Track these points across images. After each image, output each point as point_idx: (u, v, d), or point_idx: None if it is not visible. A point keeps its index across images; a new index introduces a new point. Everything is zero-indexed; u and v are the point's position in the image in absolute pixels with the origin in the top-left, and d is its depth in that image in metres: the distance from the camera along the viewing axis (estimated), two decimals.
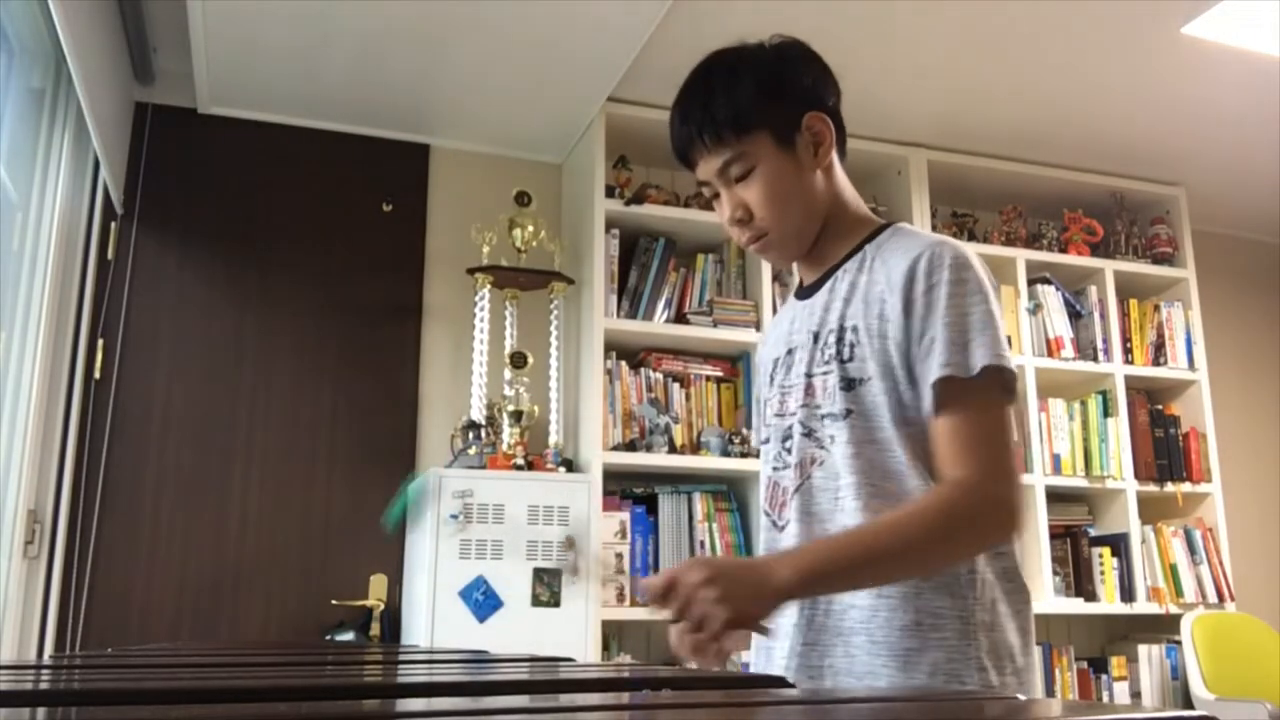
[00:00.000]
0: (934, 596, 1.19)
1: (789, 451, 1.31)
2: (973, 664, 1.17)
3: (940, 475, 1.19)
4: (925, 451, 1.22)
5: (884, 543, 1.15)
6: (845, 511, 1.24)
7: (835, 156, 1.33)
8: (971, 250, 1.27)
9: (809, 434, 1.28)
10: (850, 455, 1.23)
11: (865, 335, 1.24)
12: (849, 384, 1.24)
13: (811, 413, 1.28)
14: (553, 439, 3.20)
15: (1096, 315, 3.78)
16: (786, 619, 1.27)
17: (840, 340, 1.26)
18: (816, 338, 1.30)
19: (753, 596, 1.09)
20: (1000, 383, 1.19)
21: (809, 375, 1.29)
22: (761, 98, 1.28)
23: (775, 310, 3.40)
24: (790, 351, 1.34)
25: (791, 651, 1.26)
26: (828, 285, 1.32)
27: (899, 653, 1.18)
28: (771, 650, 1.29)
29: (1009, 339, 3.59)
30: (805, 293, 1.36)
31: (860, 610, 1.21)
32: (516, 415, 3.13)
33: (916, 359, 1.21)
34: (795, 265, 1.41)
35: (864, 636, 1.20)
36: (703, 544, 3.18)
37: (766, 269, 3.39)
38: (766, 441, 1.38)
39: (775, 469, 1.33)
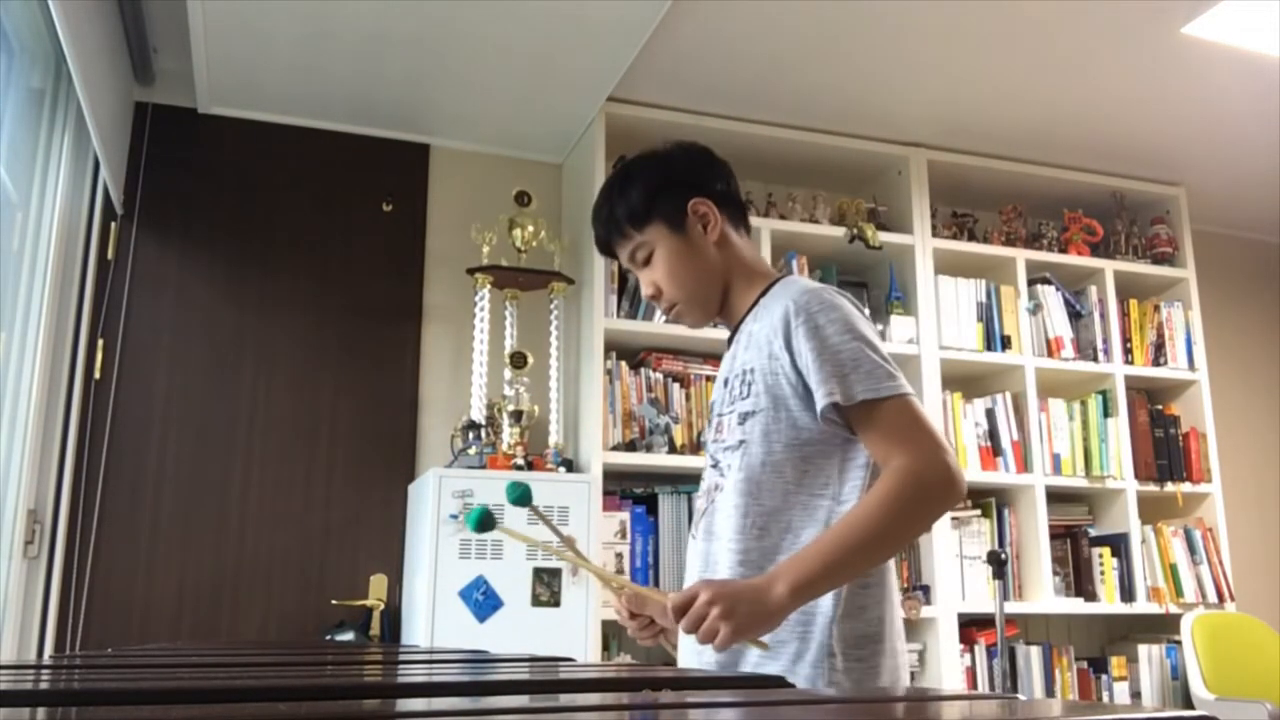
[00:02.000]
0: None
1: (704, 482, 1.53)
2: (824, 650, 1.35)
3: (883, 470, 1.37)
4: (819, 468, 1.42)
5: (854, 537, 1.30)
6: (730, 528, 1.43)
7: (729, 229, 1.56)
8: (833, 291, 1.46)
9: (715, 465, 1.51)
10: (741, 480, 1.43)
11: (759, 374, 1.45)
12: (744, 418, 1.46)
13: (718, 447, 1.50)
14: (553, 439, 3.20)
15: (1096, 315, 3.78)
16: None
17: (742, 381, 1.47)
18: (726, 383, 1.52)
19: (751, 614, 1.25)
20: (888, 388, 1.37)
21: (719, 415, 1.52)
22: (649, 197, 1.53)
23: None
24: (719, 399, 1.55)
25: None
26: (736, 338, 1.54)
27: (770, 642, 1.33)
28: (702, 651, 1.42)
29: (1008, 339, 3.62)
30: (728, 344, 1.58)
31: None
32: (516, 415, 3.13)
33: (810, 386, 1.39)
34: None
35: None
36: None
37: None
38: None
39: (699, 497, 1.56)
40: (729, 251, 1.56)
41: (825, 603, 1.36)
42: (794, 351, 1.40)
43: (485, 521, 1.42)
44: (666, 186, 1.54)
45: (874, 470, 1.41)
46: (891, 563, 1.44)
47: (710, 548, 1.48)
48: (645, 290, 1.56)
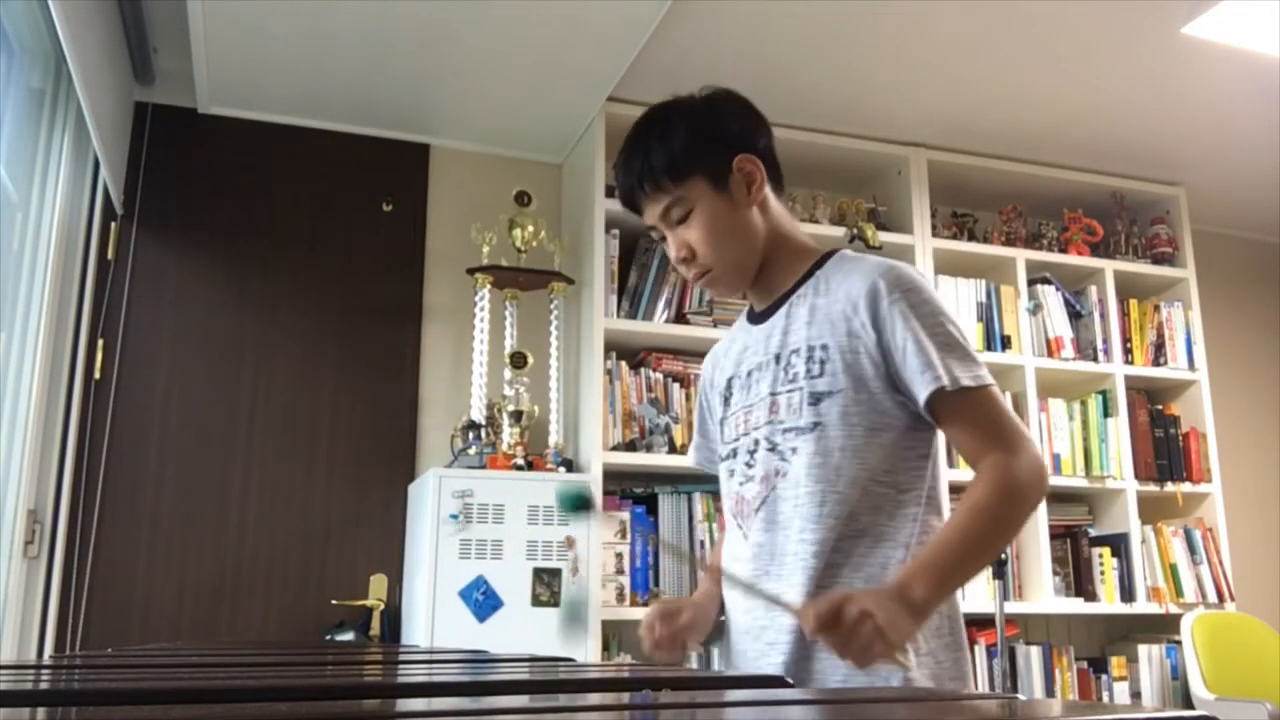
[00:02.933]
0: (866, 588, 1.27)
1: (751, 466, 1.40)
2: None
3: (975, 463, 1.31)
4: (886, 454, 1.32)
5: (977, 532, 1.25)
6: (803, 518, 1.32)
7: (770, 192, 1.43)
8: (914, 270, 1.38)
9: (773, 448, 1.37)
10: (815, 465, 1.32)
11: (835, 352, 1.33)
12: (817, 398, 1.33)
13: (775, 428, 1.37)
14: (553, 439, 3.20)
15: (1096, 315, 3.78)
16: (786, 627, 1.32)
17: (810, 359, 1.35)
18: (779, 359, 1.39)
19: (905, 627, 1.17)
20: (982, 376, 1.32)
21: (773, 394, 1.38)
22: (694, 146, 1.39)
23: None
24: (750, 373, 1.43)
25: (794, 647, 1.32)
26: (783, 310, 1.41)
27: None
28: (768, 653, 1.35)
29: (1008, 339, 3.62)
30: (758, 318, 1.46)
31: None
32: (516, 415, 3.13)
33: (901, 369, 1.31)
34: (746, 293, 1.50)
35: None
36: (702, 544, 3.18)
37: None
38: (726, 458, 1.46)
39: (740, 483, 1.42)
40: (770, 217, 1.43)
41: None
42: (882, 329, 1.31)
43: (580, 503, 1.30)
44: (713, 138, 1.41)
45: (934, 460, 1.36)
46: None
47: (774, 539, 1.35)
48: (677, 252, 1.41)
